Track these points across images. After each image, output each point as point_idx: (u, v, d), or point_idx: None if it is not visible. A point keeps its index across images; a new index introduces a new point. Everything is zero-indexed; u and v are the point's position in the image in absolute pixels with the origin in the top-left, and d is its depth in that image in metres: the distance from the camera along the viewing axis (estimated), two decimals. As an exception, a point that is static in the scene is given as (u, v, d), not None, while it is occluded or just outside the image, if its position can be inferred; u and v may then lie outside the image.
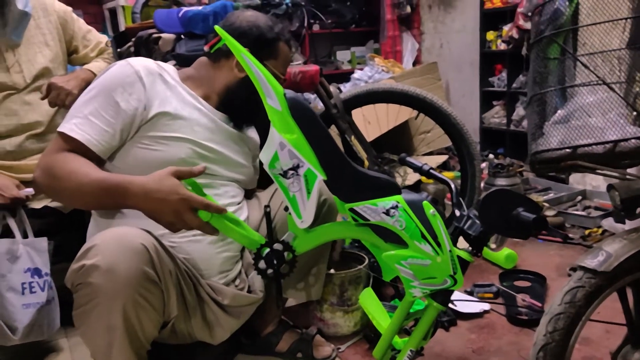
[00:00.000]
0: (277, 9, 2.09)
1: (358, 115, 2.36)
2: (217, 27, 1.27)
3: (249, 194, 1.63)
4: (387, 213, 1.20)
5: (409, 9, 4.65)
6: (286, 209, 1.23)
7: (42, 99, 1.79)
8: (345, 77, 4.16)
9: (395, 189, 1.22)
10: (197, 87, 1.45)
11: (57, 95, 1.77)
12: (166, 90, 1.38)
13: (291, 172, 1.19)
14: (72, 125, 1.29)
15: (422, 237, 1.19)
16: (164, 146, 1.35)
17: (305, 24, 2.32)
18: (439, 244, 1.19)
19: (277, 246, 1.25)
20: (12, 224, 1.68)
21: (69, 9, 1.98)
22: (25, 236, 1.69)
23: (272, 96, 1.17)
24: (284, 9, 2.14)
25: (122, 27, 2.59)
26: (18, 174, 1.77)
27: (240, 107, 1.48)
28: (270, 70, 1.38)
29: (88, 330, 1.20)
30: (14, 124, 1.80)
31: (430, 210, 1.19)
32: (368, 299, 1.53)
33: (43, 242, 1.70)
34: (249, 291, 1.53)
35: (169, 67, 1.44)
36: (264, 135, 1.61)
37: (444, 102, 2.28)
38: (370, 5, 5.07)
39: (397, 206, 1.19)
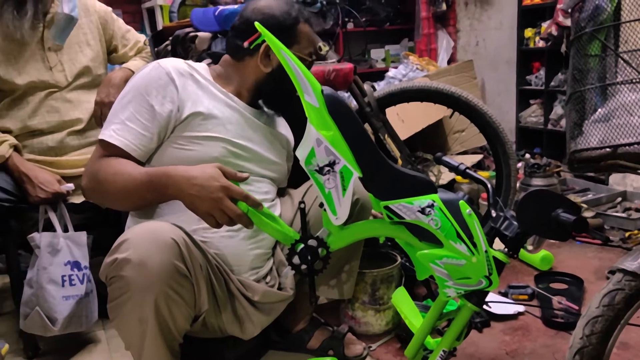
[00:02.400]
0: (311, 7, 2.09)
1: (392, 113, 2.35)
2: (257, 24, 1.28)
3: (281, 192, 1.64)
4: (422, 212, 1.19)
5: (444, 6, 4.60)
6: (321, 205, 1.23)
7: (97, 123, 1.86)
8: (380, 75, 4.14)
9: (431, 188, 1.21)
10: (227, 84, 1.47)
11: (107, 111, 1.81)
12: (197, 90, 1.40)
13: (327, 168, 1.19)
14: (111, 131, 1.33)
15: (458, 236, 1.17)
16: (198, 146, 1.37)
17: (340, 22, 2.31)
18: (474, 244, 1.17)
19: (312, 242, 1.26)
20: (54, 218, 1.73)
21: (109, 9, 2.03)
22: (65, 230, 1.74)
23: (310, 92, 1.17)
24: (319, 7, 2.14)
25: (159, 26, 2.64)
26: (59, 169, 1.82)
27: (271, 100, 1.50)
28: (297, 56, 1.40)
29: (121, 323, 1.24)
30: (55, 120, 1.85)
31: (466, 209, 1.18)
32: (400, 298, 1.52)
33: (82, 236, 1.75)
34: (280, 288, 1.54)
35: (199, 66, 1.46)
36: (298, 132, 1.64)
37: (480, 101, 2.25)
38: (405, 3, 5.04)
39: (433, 205, 1.18)
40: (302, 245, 1.25)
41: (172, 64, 1.39)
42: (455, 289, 1.22)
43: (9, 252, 1.75)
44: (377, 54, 5.19)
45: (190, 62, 1.45)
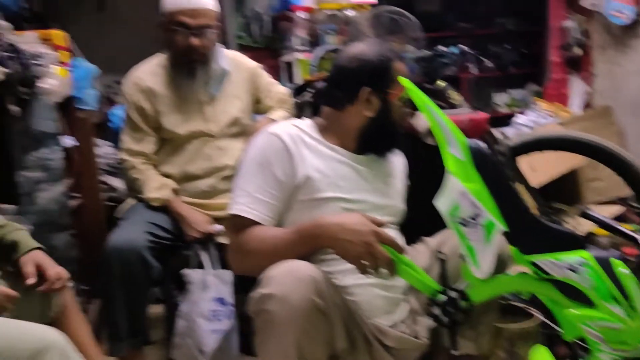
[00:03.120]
0: (446, 58, 2.14)
1: (522, 160, 2.29)
2: (401, 79, 1.34)
3: (414, 238, 1.66)
4: (572, 269, 1.15)
5: (578, 51, 4.42)
6: (462, 257, 1.24)
7: None
8: (503, 120, 4.04)
9: (580, 243, 1.18)
10: (332, 136, 1.49)
11: None
12: (308, 152, 1.44)
13: (471, 221, 1.21)
14: (243, 206, 1.38)
15: (613, 298, 1.12)
16: (315, 209, 1.40)
17: (466, 68, 2.34)
18: (632, 307, 1.11)
19: (453, 294, 1.27)
20: (204, 256, 1.88)
21: (257, 64, 2.21)
22: (213, 268, 1.89)
23: (455, 145, 1.20)
24: (453, 58, 2.20)
25: (297, 79, 2.82)
26: (210, 211, 1.98)
27: (378, 144, 1.50)
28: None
29: (266, 357, 1.30)
30: (208, 166, 2.03)
31: (621, 268, 1.13)
32: (541, 358, 1.46)
33: (228, 275, 1.88)
34: (414, 336, 1.54)
35: (306, 125, 1.50)
36: (412, 158, 1.65)
37: (623, 150, 2.13)
38: (531, 47, 4.92)
39: (584, 262, 1.15)
40: (443, 297, 1.27)
41: (285, 131, 1.44)
42: (611, 354, 1.16)
43: (165, 285, 1.93)
44: (500, 98, 5.09)
45: (297, 122, 1.51)
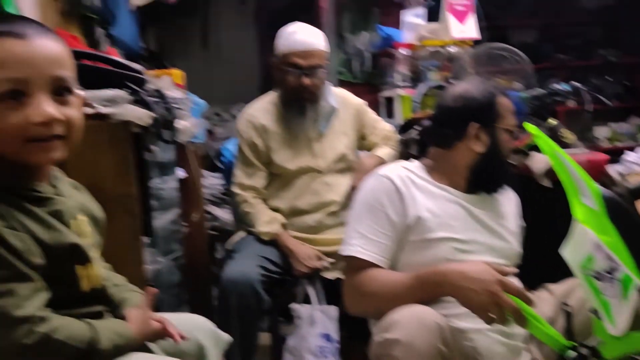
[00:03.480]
0: (559, 96, 2.09)
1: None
2: (527, 125, 1.32)
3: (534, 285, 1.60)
4: None
5: (689, 83, 4.17)
6: (593, 311, 1.18)
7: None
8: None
9: None
10: (441, 176, 1.48)
11: None
12: (418, 192, 1.43)
13: (606, 275, 1.15)
14: (357, 247, 1.39)
15: None
16: (426, 250, 1.40)
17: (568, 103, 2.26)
18: None
19: (584, 351, 1.21)
20: (311, 291, 1.91)
21: (363, 101, 2.26)
22: (319, 303, 1.91)
23: (587, 194, 1.16)
24: (565, 94, 2.14)
25: (397, 114, 2.83)
26: (317, 246, 2.02)
27: (488, 180, 1.48)
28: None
29: None
30: (315, 202, 2.07)
31: None
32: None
33: (334, 311, 1.90)
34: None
35: (414, 166, 1.50)
36: (526, 199, 1.60)
37: None
38: (634, 79, 4.69)
39: None
40: (573, 353, 1.21)
41: (395, 172, 1.45)
42: None
43: (273, 317, 1.97)
44: (600, 132, 4.87)
45: (405, 164, 1.51)
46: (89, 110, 1.31)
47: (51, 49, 0.88)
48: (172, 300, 1.79)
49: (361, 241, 1.39)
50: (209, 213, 2.90)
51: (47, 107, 0.85)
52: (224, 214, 2.98)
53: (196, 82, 3.10)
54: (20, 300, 0.82)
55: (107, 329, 0.93)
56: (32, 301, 0.84)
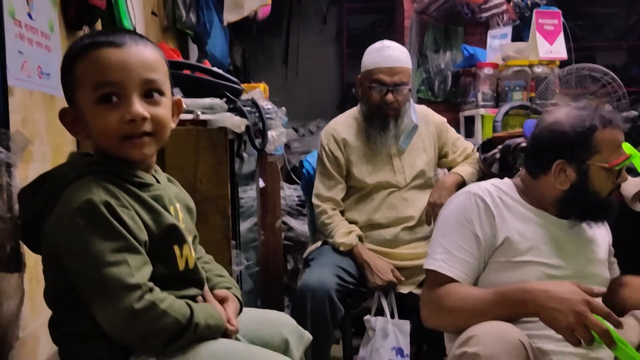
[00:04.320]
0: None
1: None
2: (626, 145, 1.28)
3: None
4: None
5: None
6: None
7: (428, 222, 2.05)
8: None
9: None
10: (532, 198, 1.44)
11: (439, 212, 1.99)
12: (508, 213, 1.41)
13: None
14: (441, 262, 1.38)
15: None
16: (514, 272, 1.37)
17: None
18: None
19: (677, 381, 1.15)
20: (385, 304, 1.92)
21: (444, 119, 2.26)
22: (392, 316, 1.91)
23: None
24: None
25: (477, 134, 2.81)
26: (392, 260, 2.03)
27: (579, 212, 1.41)
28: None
29: None
30: (393, 216, 2.09)
31: None
32: None
33: (406, 325, 1.90)
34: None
35: (505, 185, 1.47)
36: (616, 224, 1.53)
37: None
38: None
39: None
40: (664, 382, 1.16)
41: (484, 190, 1.42)
42: None
43: (345, 326, 1.99)
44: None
45: (496, 182, 1.48)
46: (190, 116, 1.40)
47: (143, 54, 0.97)
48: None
49: (445, 256, 1.38)
50: (284, 223, 2.98)
51: (137, 107, 0.94)
52: (299, 225, 3.05)
53: (276, 97, 3.22)
54: (132, 269, 0.90)
55: (203, 310, 1.00)
56: (141, 272, 0.92)
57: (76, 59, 0.94)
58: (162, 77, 0.99)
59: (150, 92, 0.97)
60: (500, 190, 1.45)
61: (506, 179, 1.51)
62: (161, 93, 0.98)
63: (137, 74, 0.94)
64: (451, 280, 1.37)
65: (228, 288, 1.14)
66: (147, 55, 0.97)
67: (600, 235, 1.53)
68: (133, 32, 1.03)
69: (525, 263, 1.37)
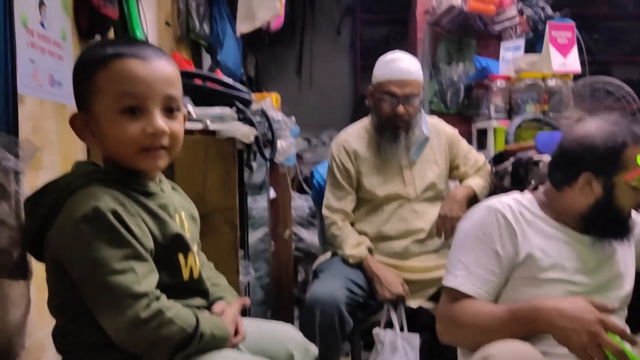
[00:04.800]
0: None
1: None
2: None
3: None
4: None
5: None
6: None
7: (438, 235, 2.04)
8: None
9: None
10: (555, 213, 1.41)
11: (450, 224, 1.99)
12: (530, 229, 1.37)
13: None
14: (460, 279, 1.35)
15: None
16: (535, 288, 1.34)
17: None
18: None
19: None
20: (394, 317, 1.90)
21: (456, 131, 2.24)
22: (402, 330, 1.89)
23: None
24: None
25: (489, 147, 2.79)
26: (402, 272, 2.01)
27: (601, 228, 1.38)
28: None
29: None
30: (403, 228, 2.07)
31: None
32: None
33: (416, 339, 1.88)
34: None
35: (526, 200, 1.44)
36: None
37: None
38: None
39: None
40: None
41: (505, 206, 1.39)
42: None
43: (354, 340, 1.97)
44: None
45: (517, 196, 1.45)
46: (199, 126, 1.40)
47: (166, 70, 0.99)
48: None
49: (464, 273, 1.35)
50: (295, 234, 2.98)
51: (159, 120, 0.96)
52: (310, 236, 3.04)
53: (289, 108, 3.23)
54: (139, 277, 0.90)
55: (208, 320, 1.00)
56: (148, 279, 0.92)
57: (96, 66, 0.95)
58: (180, 93, 1.01)
59: (170, 107, 0.98)
60: (521, 205, 1.41)
61: (527, 193, 1.48)
62: (179, 109, 1.01)
63: (161, 89, 0.96)
64: (469, 297, 1.34)
65: (220, 298, 1.13)
66: (169, 71, 0.99)
67: (621, 249, 1.50)
68: (153, 46, 1.04)
69: (549, 280, 1.34)
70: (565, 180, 1.38)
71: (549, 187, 1.44)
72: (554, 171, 1.43)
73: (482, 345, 1.31)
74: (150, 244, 0.95)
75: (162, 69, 0.97)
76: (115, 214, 0.90)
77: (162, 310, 0.91)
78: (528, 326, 1.23)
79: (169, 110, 0.98)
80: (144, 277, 0.91)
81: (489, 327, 1.27)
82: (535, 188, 1.51)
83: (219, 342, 0.99)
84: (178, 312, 0.94)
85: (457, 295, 1.34)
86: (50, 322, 1.01)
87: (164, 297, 0.94)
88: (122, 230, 0.90)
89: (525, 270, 1.35)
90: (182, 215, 1.08)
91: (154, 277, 0.94)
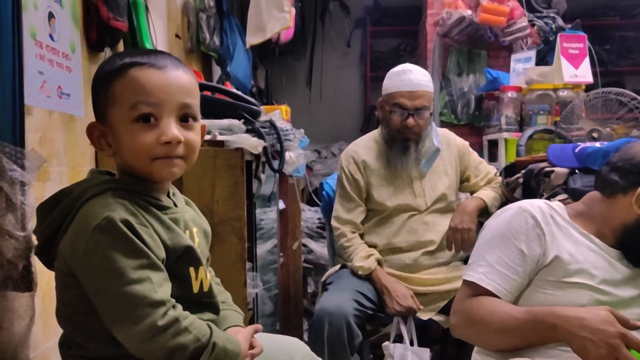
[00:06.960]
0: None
1: None
2: None
3: None
4: None
5: None
6: None
7: (449, 247, 2.02)
8: None
9: None
10: (588, 224, 1.38)
11: (460, 236, 1.97)
12: (559, 233, 1.35)
13: None
14: (480, 274, 1.33)
15: None
16: (562, 292, 1.31)
17: None
18: None
19: None
20: (404, 330, 1.87)
21: (466, 143, 2.23)
22: (411, 344, 1.86)
23: None
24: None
25: (500, 158, 2.77)
26: (411, 285, 1.98)
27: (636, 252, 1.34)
28: None
29: None
30: (413, 240, 2.05)
31: None
32: None
33: (426, 353, 1.84)
34: None
35: (557, 206, 1.42)
36: None
37: None
38: None
39: None
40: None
41: (535, 207, 1.37)
42: None
43: (363, 353, 1.94)
44: None
45: (549, 202, 1.43)
46: (208, 137, 1.40)
47: (182, 79, 0.98)
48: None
49: (487, 269, 1.33)
50: (305, 245, 2.96)
51: (174, 129, 0.95)
52: (319, 248, 3.03)
53: (299, 119, 3.23)
54: (155, 286, 0.90)
55: (221, 333, 0.99)
56: (163, 288, 0.92)
57: (113, 76, 0.95)
58: (196, 102, 1.00)
59: (186, 116, 0.98)
60: (552, 208, 1.39)
61: (557, 202, 1.46)
62: (195, 118, 1.00)
63: (176, 98, 0.95)
64: (488, 293, 1.31)
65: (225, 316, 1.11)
66: (186, 80, 0.98)
67: None
68: (170, 55, 1.04)
69: (575, 285, 1.30)
70: (621, 187, 1.34)
71: (596, 196, 1.40)
72: (611, 176, 1.37)
73: (493, 344, 1.32)
74: (162, 254, 0.95)
75: (178, 78, 0.97)
76: (128, 224, 0.90)
77: (178, 319, 0.90)
78: (544, 332, 1.20)
79: (185, 120, 0.98)
80: (159, 286, 0.91)
81: (504, 326, 1.25)
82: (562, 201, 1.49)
83: (230, 357, 0.98)
84: (193, 321, 0.93)
85: (476, 290, 1.32)
86: (55, 334, 1.00)
87: (179, 306, 0.93)
88: (136, 240, 0.90)
89: (551, 273, 1.31)
90: (194, 231, 1.07)
91: (169, 286, 0.94)
